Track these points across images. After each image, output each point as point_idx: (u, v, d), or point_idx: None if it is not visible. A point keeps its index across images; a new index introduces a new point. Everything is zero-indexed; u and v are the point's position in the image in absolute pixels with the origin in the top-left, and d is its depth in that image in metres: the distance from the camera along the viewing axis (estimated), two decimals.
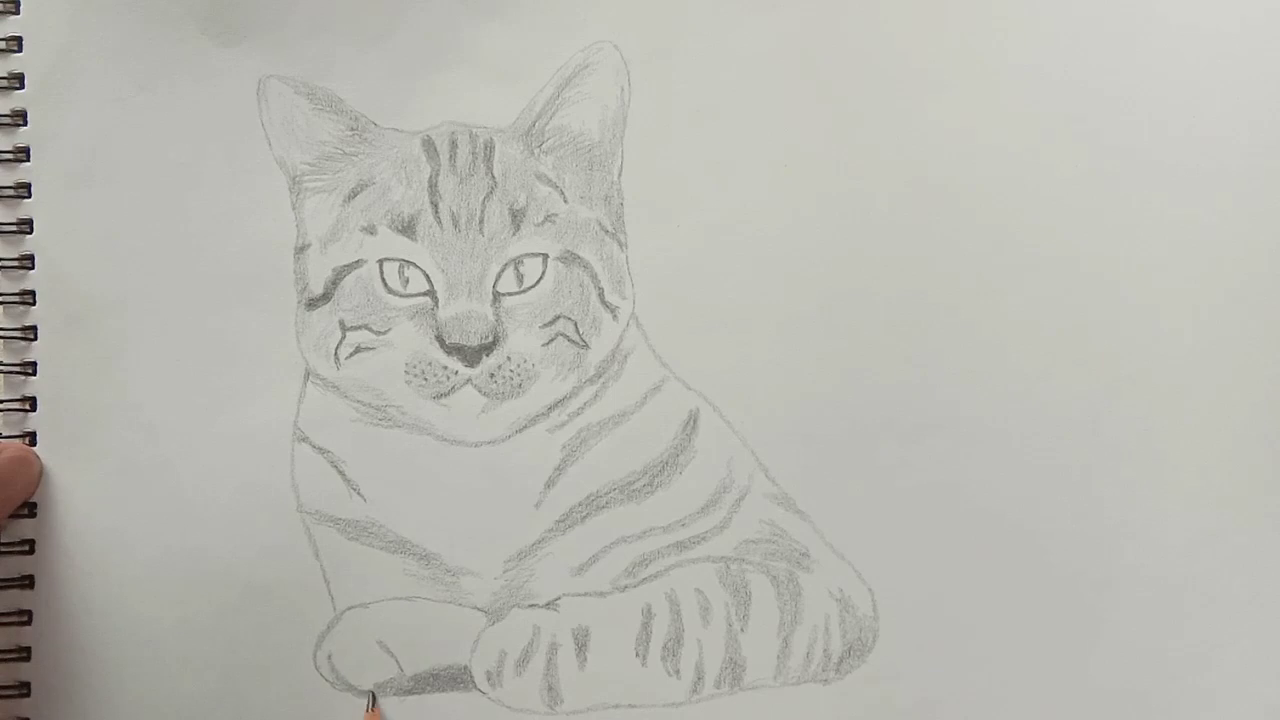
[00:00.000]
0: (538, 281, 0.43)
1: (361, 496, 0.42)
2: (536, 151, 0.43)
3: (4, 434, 0.42)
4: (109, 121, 0.42)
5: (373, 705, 0.41)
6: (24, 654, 0.42)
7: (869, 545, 0.43)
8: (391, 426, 0.43)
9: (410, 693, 0.42)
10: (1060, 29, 0.43)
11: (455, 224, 0.42)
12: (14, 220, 0.42)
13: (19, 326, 0.42)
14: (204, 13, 0.43)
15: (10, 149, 0.42)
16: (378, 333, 0.42)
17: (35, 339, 0.42)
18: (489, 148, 0.43)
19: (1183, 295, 0.43)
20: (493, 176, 0.43)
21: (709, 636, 0.42)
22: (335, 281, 0.42)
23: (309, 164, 0.43)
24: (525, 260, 0.42)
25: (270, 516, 0.42)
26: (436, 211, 0.42)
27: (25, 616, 0.42)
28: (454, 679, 0.42)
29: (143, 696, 0.41)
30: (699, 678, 0.42)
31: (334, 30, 0.43)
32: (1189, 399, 0.43)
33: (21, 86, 0.42)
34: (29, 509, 0.42)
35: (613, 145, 0.43)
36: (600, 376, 0.43)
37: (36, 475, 0.42)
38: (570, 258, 0.43)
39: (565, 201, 0.43)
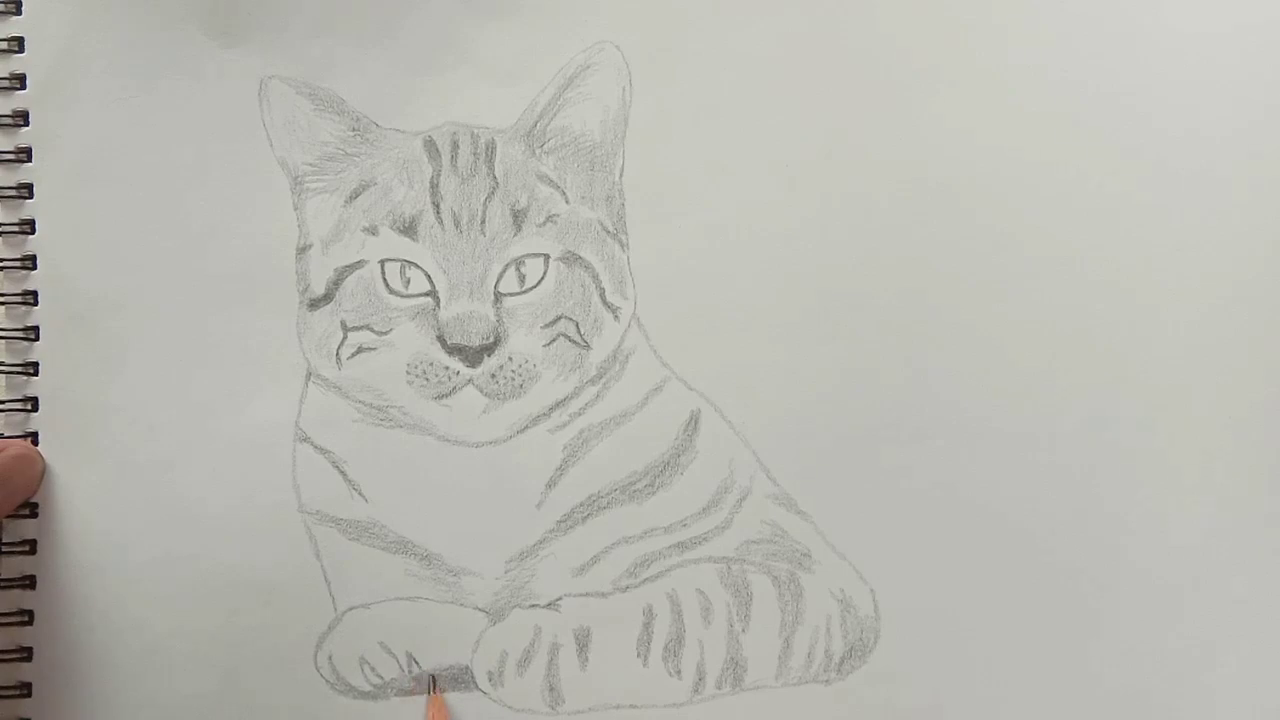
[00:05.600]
0: (539, 282, 0.43)
1: (363, 497, 0.42)
2: (538, 152, 0.43)
3: (6, 434, 0.42)
4: (111, 122, 0.42)
5: (434, 689, 0.41)
6: (25, 654, 0.41)
7: (870, 545, 0.43)
8: (393, 427, 0.43)
9: (411, 693, 0.42)
10: (1060, 29, 0.43)
11: (457, 224, 0.42)
12: (16, 221, 0.42)
13: (21, 327, 0.42)
14: (205, 13, 0.43)
15: (12, 149, 0.42)
16: (379, 333, 0.42)
17: (37, 339, 0.42)
18: (490, 148, 0.43)
19: (1183, 295, 0.43)
20: (494, 177, 0.43)
21: (710, 637, 0.42)
22: (337, 282, 0.42)
23: (311, 164, 0.43)
24: (527, 261, 0.42)
25: (271, 517, 0.42)
26: (438, 212, 0.42)
27: (27, 617, 0.42)
28: (455, 679, 0.42)
29: (144, 697, 0.41)
30: (700, 678, 0.42)
31: (336, 31, 0.43)
32: (1190, 399, 0.43)
33: (23, 87, 0.42)
34: (30, 509, 0.42)
35: (614, 145, 0.43)
36: (602, 377, 0.43)
37: (39, 473, 0.42)
38: (572, 258, 0.43)
39: (567, 202, 0.43)
